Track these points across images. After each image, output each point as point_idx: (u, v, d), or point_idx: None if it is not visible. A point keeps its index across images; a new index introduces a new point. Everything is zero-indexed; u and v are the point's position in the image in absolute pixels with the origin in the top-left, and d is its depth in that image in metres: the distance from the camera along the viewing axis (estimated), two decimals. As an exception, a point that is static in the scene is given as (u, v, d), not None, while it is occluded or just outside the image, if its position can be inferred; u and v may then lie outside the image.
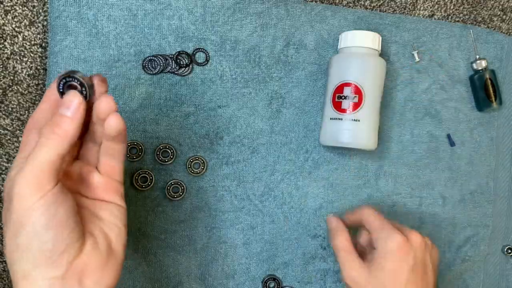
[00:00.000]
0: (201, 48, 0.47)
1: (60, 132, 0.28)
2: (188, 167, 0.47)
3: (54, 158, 0.28)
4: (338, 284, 0.50)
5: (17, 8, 0.45)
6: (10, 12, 0.45)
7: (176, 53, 0.46)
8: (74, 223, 0.29)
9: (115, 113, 0.30)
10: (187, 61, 0.46)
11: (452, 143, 0.52)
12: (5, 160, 0.45)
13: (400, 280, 0.38)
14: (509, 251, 0.53)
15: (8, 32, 0.45)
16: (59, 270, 0.28)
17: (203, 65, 0.47)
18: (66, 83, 0.29)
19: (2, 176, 0.45)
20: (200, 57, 0.47)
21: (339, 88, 0.46)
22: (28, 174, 0.27)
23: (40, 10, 0.45)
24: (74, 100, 0.29)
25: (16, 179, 0.27)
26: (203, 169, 0.47)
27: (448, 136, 0.52)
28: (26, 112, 0.46)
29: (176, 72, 0.47)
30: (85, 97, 0.30)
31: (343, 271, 0.41)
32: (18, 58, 0.45)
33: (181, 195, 0.46)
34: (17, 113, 0.45)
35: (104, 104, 0.30)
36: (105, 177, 0.33)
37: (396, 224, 0.43)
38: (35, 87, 0.46)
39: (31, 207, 0.27)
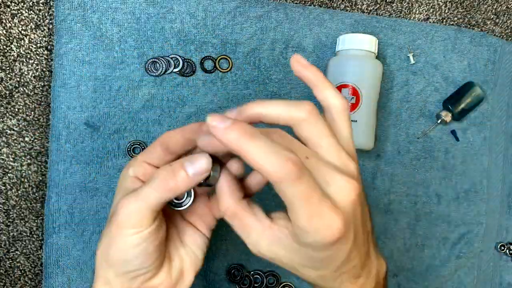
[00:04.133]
0: (225, 55, 0.49)
1: (173, 185, 0.28)
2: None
3: (161, 202, 0.29)
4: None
5: (24, 12, 0.46)
6: (16, 16, 0.46)
7: (202, 58, 0.48)
8: (159, 253, 0.30)
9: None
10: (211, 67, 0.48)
11: (457, 138, 0.53)
12: (11, 159, 0.46)
13: (336, 263, 0.27)
14: (502, 248, 0.55)
15: (15, 35, 0.46)
16: (133, 286, 0.30)
17: (227, 71, 0.49)
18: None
19: (9, 175, 0.46)
20: (209, 64, 0.48)
21: (337, 90, 0.47)
22: (133, 208, 0.28)
23: (46, 14, 0.47)
24: (203, 166, 0.28)
25: (122, 204, 0.29)
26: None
27: (453, 132, 0.54)
28: (32, 112, 0.47)
29: (179, 73, 0.48)
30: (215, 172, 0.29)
31: (249, 238, 0.29)
32: (24, 60, 0.46)
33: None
34: (23, 113, 0.47)
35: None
36: (206, 208, 0.35)
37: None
38: (40, 88, 0.47)
39: (126, 237, 0.29)
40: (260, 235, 0.28)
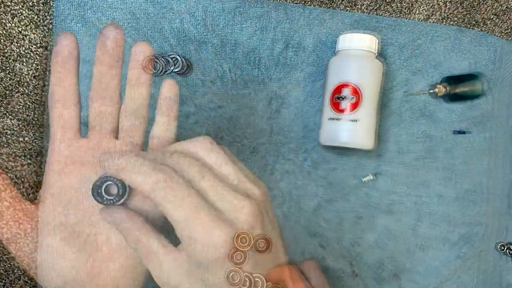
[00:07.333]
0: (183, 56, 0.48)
1: None
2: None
3: None
4: (337, 281, 0.51)
5: (23, 12, 0.46)
6: (16, 16, 0.46)
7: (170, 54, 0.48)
8: None
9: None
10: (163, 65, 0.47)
11: (463, 132, 0.53)
12: (11, 159, 0.46)
13: None
14: (503, 248, 0.55)
15: (15, 35, 0.46)
16: None
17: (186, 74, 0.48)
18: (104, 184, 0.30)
19: (9, 175, 0.46)
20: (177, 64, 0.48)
21: (338, 89, 0.47)
22: None
23: (46, 14, 0.47)
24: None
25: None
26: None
27: (455, 132, 0.53)
28: (32, 113, 0.47)
29: (178, 72, 0.48)
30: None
31: None
32: (24, 60, 0.46)
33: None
34: (22, 113, 0.47)
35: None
36: None
37: None
38: (40, 88, 0.47)
39: None
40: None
